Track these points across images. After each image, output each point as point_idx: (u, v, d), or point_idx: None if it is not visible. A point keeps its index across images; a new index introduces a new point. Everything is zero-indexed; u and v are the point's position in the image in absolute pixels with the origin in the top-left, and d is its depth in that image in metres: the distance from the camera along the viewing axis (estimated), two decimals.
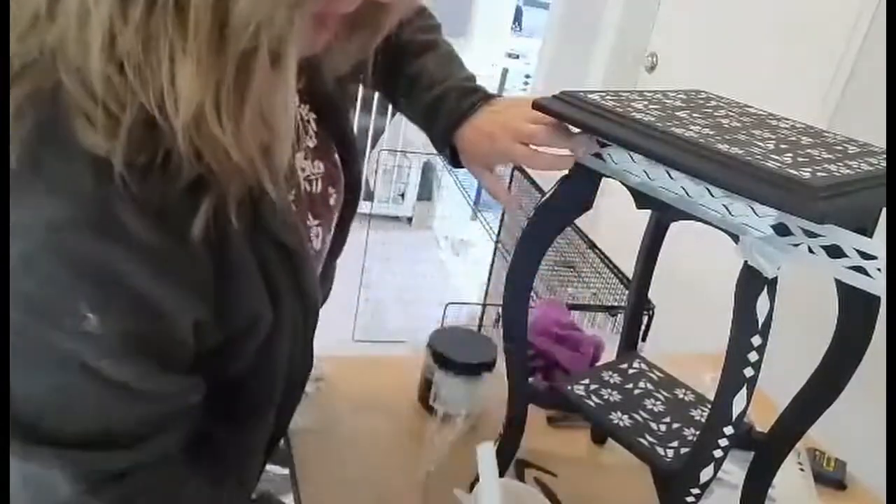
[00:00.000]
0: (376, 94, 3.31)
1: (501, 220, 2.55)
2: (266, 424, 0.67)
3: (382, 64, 0.82)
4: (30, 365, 0.48)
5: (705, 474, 0.70)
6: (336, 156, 0.76)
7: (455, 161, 0.86)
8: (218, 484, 0.62)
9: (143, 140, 0.46)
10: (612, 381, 0.91)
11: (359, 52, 0.62)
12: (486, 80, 4.17)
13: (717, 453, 0.69)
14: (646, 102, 0.74)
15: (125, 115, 0.45)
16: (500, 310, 1.02)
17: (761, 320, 0.62)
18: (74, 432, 0.50)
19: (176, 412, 0.55)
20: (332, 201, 0.75)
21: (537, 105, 0.73)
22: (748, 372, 0.64)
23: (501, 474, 0.89)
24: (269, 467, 1.11)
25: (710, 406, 0.70)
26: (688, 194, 0.65)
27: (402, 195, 3.80)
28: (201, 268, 0.52)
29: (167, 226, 0.48)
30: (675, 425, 0.84)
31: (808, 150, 0.67)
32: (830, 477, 1.03)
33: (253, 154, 0.48)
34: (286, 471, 1.05)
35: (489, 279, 2.68)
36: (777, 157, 0.63)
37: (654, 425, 0.83)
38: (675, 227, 0.83)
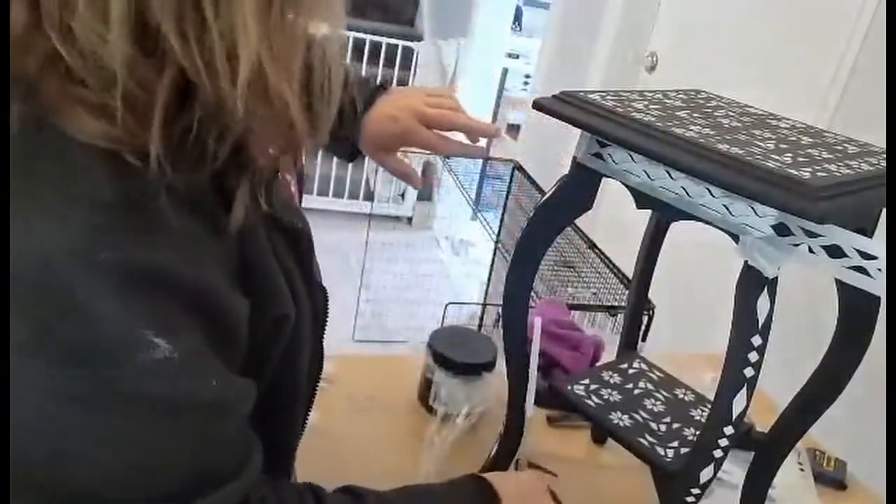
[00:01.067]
0: None
1: (501, 220, 2.55)
2: (296, 427, 0.63)
3: None
4: (103, 435, 0.39)
5: (705, 474, 0.70)
6: None
7: (352, 153, 0.84)
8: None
9: (173, 124, 0.40)
10: (612, 381, 0.91)
11: None
12: (487, 79, 4.17)
13: (717, 453, 0.69)
14: (646, 102, 0.74)
15: (155, 101, 0.39)
16: (500, 310, 1.02)
17: (761, 320, 0.62)
18: (181, 486, 0.43)
19: (247, 419, 0.48)
20: (292, 188, 0.70)
21: (537, 105, 0.73)
22: (748, 372, 0.64)
23: None
24: None
25: (710, 406, 0.70)
26: (688, 194, 0.65)
27: (402, 195, 3.79)
28: (233, 260, 0.46)
29: (201, 214, 0.42)
30: (675, 425, 0.84)
31: (808, 150, 0.67)
32: (830, 477, 1.03)
33: (296, 102, 0.43)
34: None
35: (489, 279, 2.67)
36: (777, 157, 0.63)
37: (654, 425, 0.83)
38: (675, 227, 0.83)
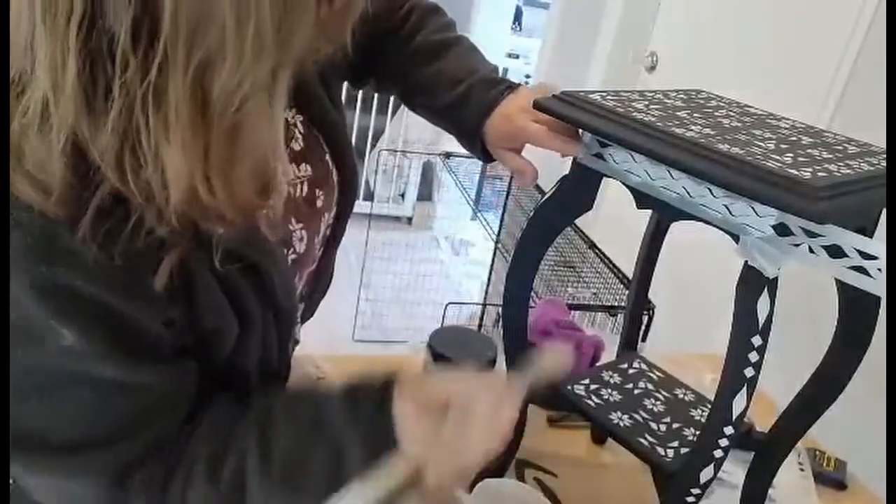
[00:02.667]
0: (376, 95, 3.32)
1: (501, 220, 2.55)
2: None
3: (396, 67, 0.86)
4: (28, 391, 0.51)
5: (705, 474, 0.70)
6: (327, 156, 0.76)
7: (485, 154, 0.86)
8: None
9: (110, 212, 0.48)
10: (612, 381, 0.91)
11: (337, 36, 0.57)
12: None
13: (717, 453, 0.69)
14: (646, 102, 0.74)
15: (93, 197, 0.47)
16: (500, 310, 1.02)
17: (762, 320, 0.62)
18: (83, 437, 0.53)
19: (171, 397, 0.57)
20: (318, 203, 0.74)
21: (538, 105, 0.73)
22: (748, 372, 0.64)
23: (501, 474, 0.89)
24: None
25: (710, 406, 0.70)
26: (689, 194, 0.65)
27: (402, 195, 3.79)
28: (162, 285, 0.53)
29: (125, 266, 0.50)
30: (675, 425, 0.84)
31: (809, 150, 0.67)
32: (830, 477, 1.03)
33: (248, 202, 0.50)
34: None
35: (489, 279, 2.67)
36: (777, 157, 0.63)
37: (654, 425, 0.83)
38: (675, 227, 0.83)
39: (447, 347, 1.00)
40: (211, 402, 0.60)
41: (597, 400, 0.86)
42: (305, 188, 0.72)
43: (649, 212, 0.84)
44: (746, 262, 0.62)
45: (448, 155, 2.75)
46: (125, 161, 0.45)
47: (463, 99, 0.83)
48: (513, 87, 0.83)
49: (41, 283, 0.48)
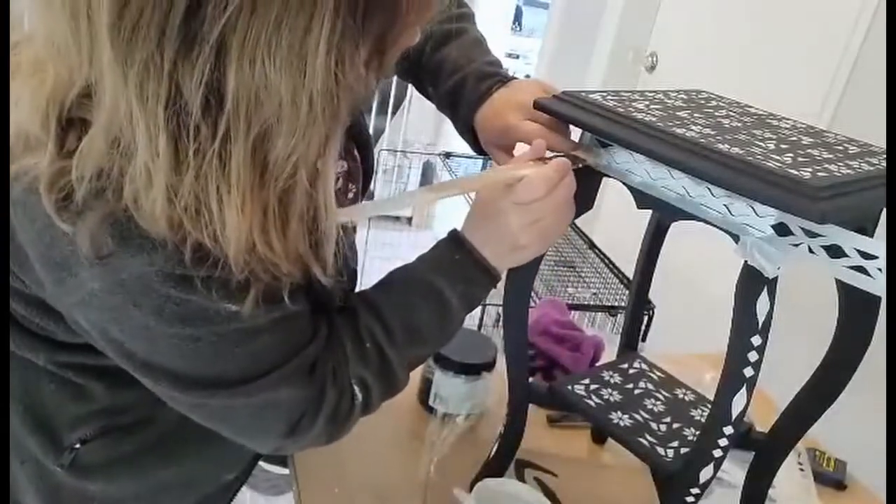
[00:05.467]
0: (376, 95, 3.32)
1: None
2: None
3: (411, 52, 0.85)
4: (216, 353, 0.60)
5: (705, 474, 0.70)
6: (355, 150, 0.80)
7: (478, 146, 0.85)
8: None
9: (206, 255, 0.55)
10: (612, 381, 0.91)
11: (385, 75, 0.63)
12: None
13: (717, 453, 0.69)
14: (647, 102, 0.74)
15: (189, 240, 0.54)
16: (500, 310, 1.02)
17: (761, 320, 0.62)
18: (269, 363, 0.62)
19: (309, 314, 0.67)
20: (350, 195, 0.79)
21: (538, 105, 0.73)
22: (748, 372, 0.64)
23: (501, 474, 0.89)
24: (268, 467, 1.12)
25: (710, 406, 0.70)
26: (689, 194, 0.65)
27: None
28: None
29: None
30: (675, 425, 0.84)
31: (809, 150, 0.67)
32: (830, 477, 1.03)
33: (302, 255, 0.57)
34: (286, 471, 1.04)
35: None
36: (777, 157, 0.63)
37: (654, 425, 0.83)
38: (675, 227, 0.83)
39: (447, 347, 1.00)
40: (327, 318, 0.69)
41: (597, 400, 0.86)
42: (341, 182, 0.78)
43: (649, 212, 0.84)
44: (746, 262, 0.62)
45: (448, 155, 2.75)
46: (202, 217, 0.52)
47: (457, 90, 0.84)
48: (504, 81, 0.82)
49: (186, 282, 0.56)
